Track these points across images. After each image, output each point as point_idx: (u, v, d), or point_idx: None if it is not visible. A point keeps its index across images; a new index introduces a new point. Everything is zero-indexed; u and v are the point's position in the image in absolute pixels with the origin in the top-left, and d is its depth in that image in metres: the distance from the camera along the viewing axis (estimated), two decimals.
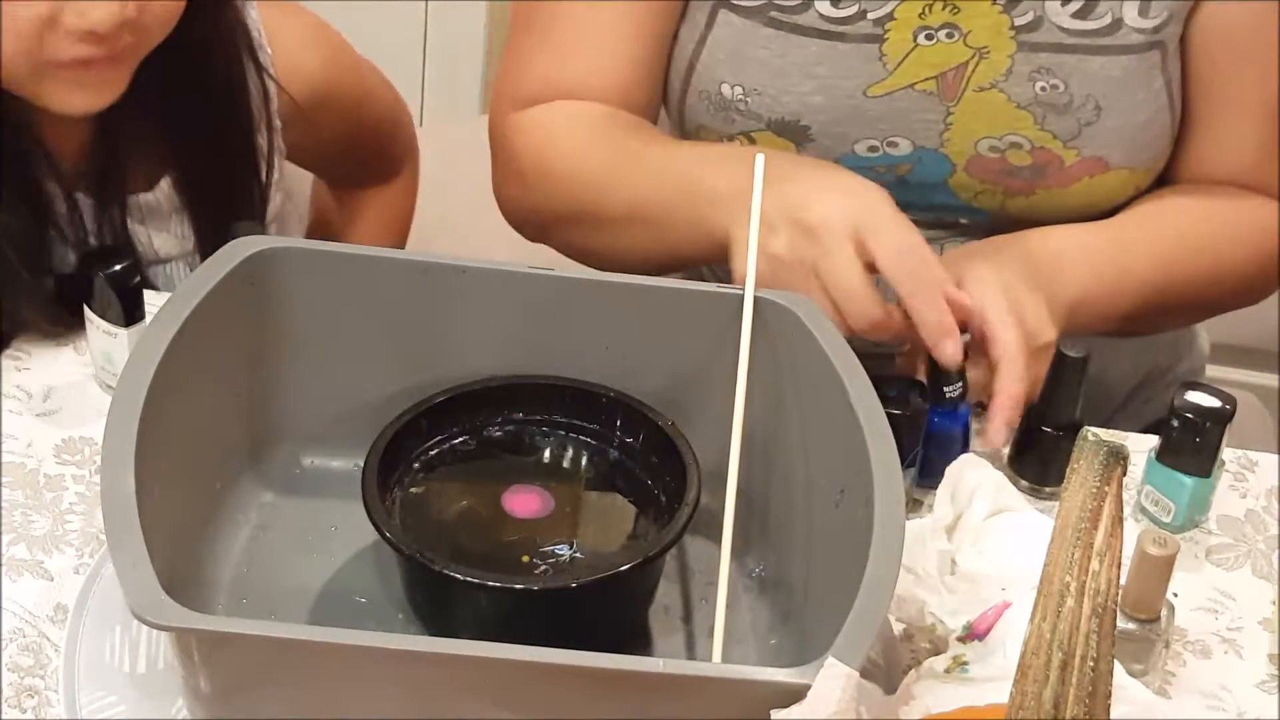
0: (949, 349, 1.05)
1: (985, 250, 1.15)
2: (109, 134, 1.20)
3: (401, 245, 1.55)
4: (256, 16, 1.26)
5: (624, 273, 1.28)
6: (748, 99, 1.21)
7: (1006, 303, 1.08)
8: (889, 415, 0.90)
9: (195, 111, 1.22)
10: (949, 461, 1.00)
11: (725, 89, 1.22)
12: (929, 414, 1.07)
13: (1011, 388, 1.06)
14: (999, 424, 1.07)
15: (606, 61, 1.24)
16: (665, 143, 1.22)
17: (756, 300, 0.98)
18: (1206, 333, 1.47)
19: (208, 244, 1.26)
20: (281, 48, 1.29)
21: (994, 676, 0.86)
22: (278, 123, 1.29)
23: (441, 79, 2.41)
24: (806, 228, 1.05)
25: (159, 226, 1.26)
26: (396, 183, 1.52)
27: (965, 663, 0.88)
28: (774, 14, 1.19)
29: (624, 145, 1.21)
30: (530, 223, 1.29)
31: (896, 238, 1.04)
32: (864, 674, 0.76)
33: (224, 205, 1.26)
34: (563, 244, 1.28)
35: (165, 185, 1.25)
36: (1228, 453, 1.13)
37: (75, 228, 1.20)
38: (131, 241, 1.23)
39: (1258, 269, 1.26)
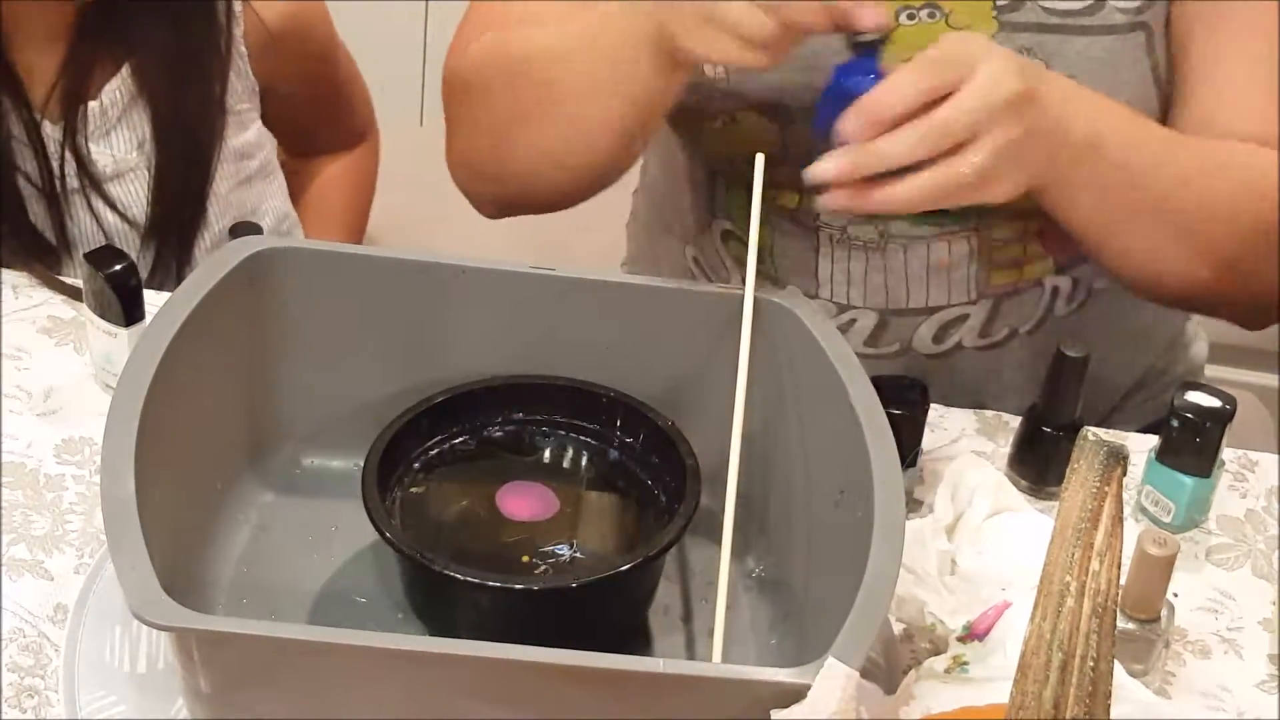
0: (866, 16, 0.97)
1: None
2: (87, 41, 1.27)
3: (364, 218, 1.58)
4: None
5: (589, 159, 1.16)
6: (730, 78, 1.21)
7: (964, 48, 1.00)
8: (889, 415, 0.90)
9: (163, 14, 1.29)
10: None
11: (708, 68, 1.21)
12: (836, 74, 0.99)
13: (883, 93, 0.96)
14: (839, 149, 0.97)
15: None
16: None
17: (756, 300, 0.98)
18: (1205, 332, 1.47)
19: (165, 143, 1.32)
20: None
21: (994, 677, 0.86)
22: (241, 46, 1.33)
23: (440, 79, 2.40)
24: None
25: (113, 133, 1.31)
26: (356, 152, 1.56)
27: (965, 663, 0.88)
28: None
29: (560, 22, 1.16)
30: (481, 151, 1.22)
31: None
32: (864, 674, 0.76)
33: (183, 94, 1.32)
34: (516, 162, 1.20)
35: (118, 82, 1.29)
36: (1228, 453, 1.13)
37: (38, 155, 1.28)
38: (89, 161, 1.30)
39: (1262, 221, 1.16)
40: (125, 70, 1.30)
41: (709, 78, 1.22)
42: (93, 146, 1.31)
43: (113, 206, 1.32)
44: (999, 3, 1.17)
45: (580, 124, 1.14)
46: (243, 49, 1.34)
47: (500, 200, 1.26)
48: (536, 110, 1.16)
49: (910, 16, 1.18)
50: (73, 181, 1.31)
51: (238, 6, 1.33)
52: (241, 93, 1.36)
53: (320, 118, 1.51)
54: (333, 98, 1.51)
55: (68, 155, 1.30)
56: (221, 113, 1.34)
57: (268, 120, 1.45)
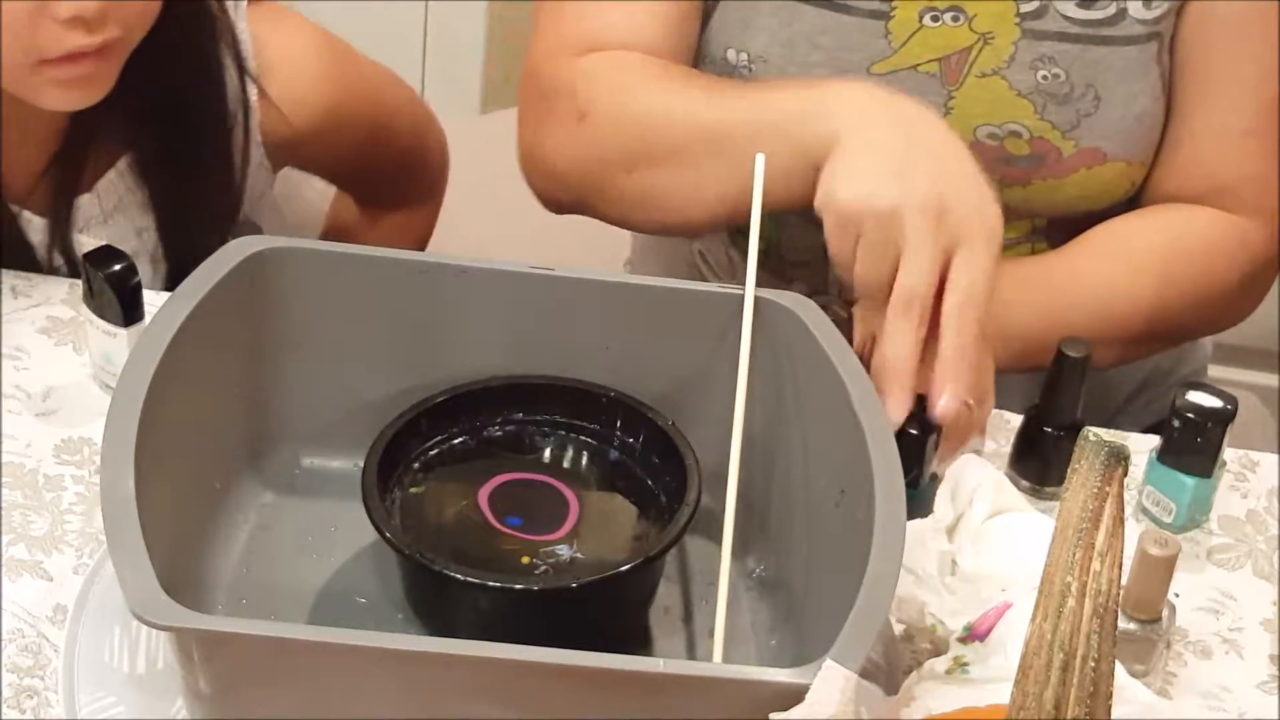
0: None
1: None
2: (80, 140, 1.22)
3: None
4: (245, 26, 1.26)
5: (688, 214, 1.17)
6: (752, 66, 1.21)
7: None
8: (906, 435, 0.90)
9: (165, 109, 1.23)
10: None
11: (731, 54, 1.22)
12: None
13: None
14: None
15: (642, 19, 1.21)
16: (736, 82, 1.19)
17: (756, 300, 0.97)
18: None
19: (170, 234, 1.27)
20: (288, 75, 1.28)
21: (995, 677, 0.85)
22: (257, 135, 1.28)
23: (441, 79, 2.40)
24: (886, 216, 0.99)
25: (110, 221, 1.26)
26: (419, 210, 1.50)
27: (966, 664, 0.88)
28: None
29: (697, 82, 1.17)
30: (584, 169, 1.20)
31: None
32: (865, 674, 0.76)
33: (188, 190, 1.27)
34: (621, 190, 1.19)
35: (114, 175, 1.25)
36: (1229, 453, 1.13)
37: (17, 247, 1.22)
38: (74, 252, 1.24)
39: (1222, 293, 1.24)
40: (123, 163, 1.25)
41: (732, 63, 1.22)
42: (86, 237, 1.24)
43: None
44: (1022, 10, 1.17)
45: (696, 193, 1.14)
46: (257, 138, 1.28)
47: (572, 208, 1.25)
48: (654, 165, 1.15)
49: (934, 19, 1.18)
50: (64, 271, 1.25)
51: (253, 95, 1.27)
52: (256, 182, 1.30)
53: (377, 183, 1.45)
54: (387, 169, 1.43)
55: (55, 250, 1.24)
56: (233, 203, 1.28)
57: (327, 179, 1.41)
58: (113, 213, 1.26)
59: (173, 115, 1.24)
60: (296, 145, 1.31)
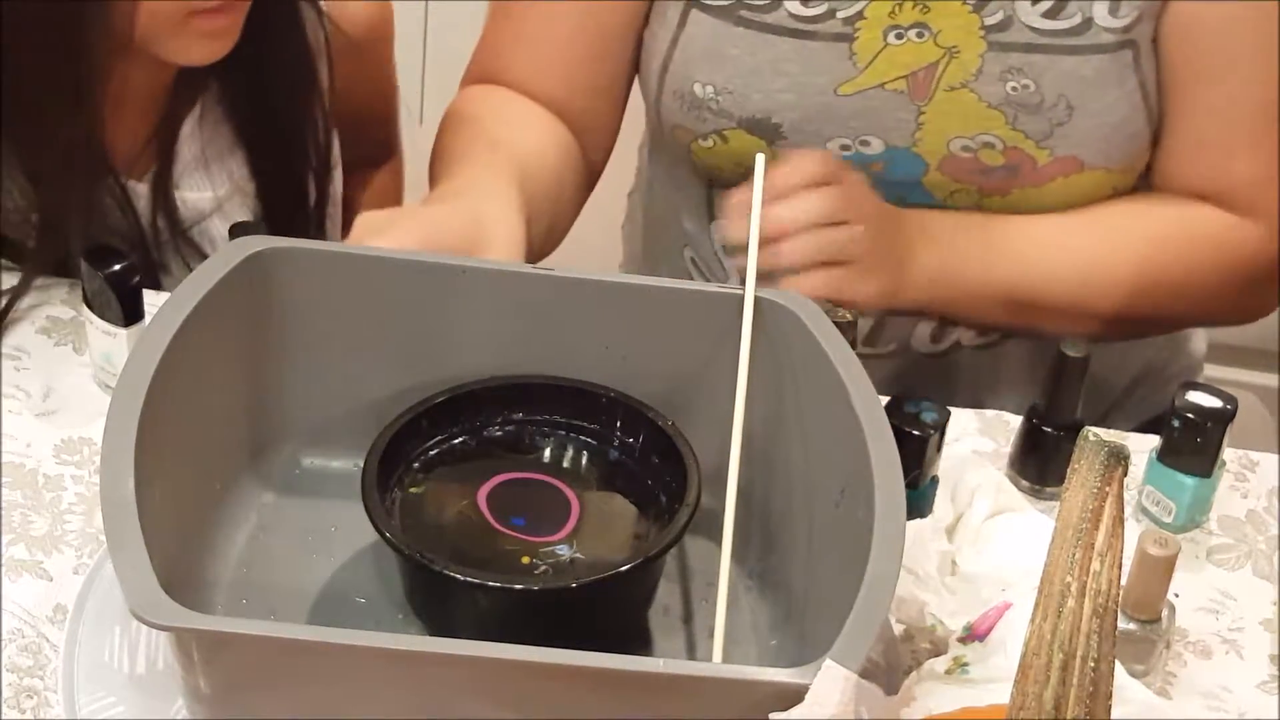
0: None
1: None
2: (185, 97, 1.24)
3: None
4: None
5: None
6: (719, 98, 1.21)
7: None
8: (907, 434, 0.90)
9: (252, 54, 1.23)
10: None
11: (697, 88, 1.22)
12: None
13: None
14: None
15: (542, 58, 1.27)
16: (478, 163, 1.20)
17: (756, 300, 0.97)
18: (1204, 330, 1.46)
19: (267, 187, 1.29)
20: None
21: (994, 677, 0.85)
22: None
23: (441, 79, 2.40)
24: None
25: (212, 166, 1.27)
26: (389, 168, 1.53)
27: (966, 664, 0.88)
28: (744, 13, 1.19)
29: (466, 147, 1.22)
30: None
31: None
32: (865, 674, 0.76)
33: (285, 149, 1.28)
34: None
35: (198, 112, 1.25)
36: (1229, 453, 1.13)
37: (125, 210, 1.23)
38: (180, 219, 1.26)
39: (1216, 286, 1.25)
40: (203, 104, 1.25)
41: (699, 96, 1.22)
42: (185, 193, 1.25)
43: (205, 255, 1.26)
44: (986, 22, 1.17)
45: None
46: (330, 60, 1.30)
47: None
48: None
49: (899, 36, 1.18)
50: (165, 234, 1.26)
51: (327, 27, 1.28)
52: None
53: (363, 131, 1.46)
54: (376, 111, 1.46)
55: (159, 214, 1.25)
56: (326, 149, 1.29)
57: None
58: (201, 159, 1.26)
59: (259, 61, 1.24)
60: (343, 59, 1.32)
